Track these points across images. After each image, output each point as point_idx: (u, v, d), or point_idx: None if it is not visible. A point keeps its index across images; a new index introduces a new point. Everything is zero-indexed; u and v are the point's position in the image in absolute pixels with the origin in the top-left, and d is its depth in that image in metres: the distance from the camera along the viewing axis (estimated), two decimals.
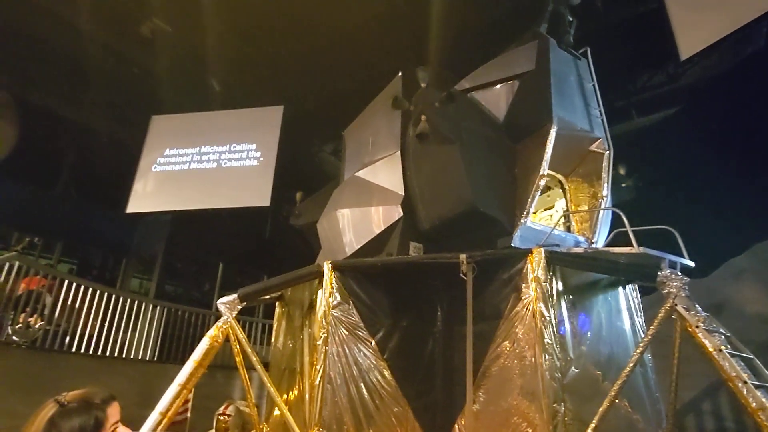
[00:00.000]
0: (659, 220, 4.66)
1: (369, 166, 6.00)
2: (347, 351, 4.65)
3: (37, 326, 6.91)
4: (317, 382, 4.50)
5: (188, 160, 10.31)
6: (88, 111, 11.00)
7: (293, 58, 9.62)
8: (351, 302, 4.82)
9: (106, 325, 7.82)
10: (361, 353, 4.69)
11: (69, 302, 7.33)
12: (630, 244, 4.48)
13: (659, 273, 4.24)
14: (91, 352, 7.49)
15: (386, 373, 4.68)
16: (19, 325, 6.77)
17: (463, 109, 5.80)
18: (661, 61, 8.97)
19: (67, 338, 7.37)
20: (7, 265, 6.40)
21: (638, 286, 5.34)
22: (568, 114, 5.71)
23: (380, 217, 5.60)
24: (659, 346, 4.85)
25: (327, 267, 4.85)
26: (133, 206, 10.04)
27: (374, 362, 4.69)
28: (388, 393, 4.62)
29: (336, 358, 4.61)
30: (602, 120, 6.11)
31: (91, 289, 7.70)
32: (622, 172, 6.52)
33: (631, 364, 4.10)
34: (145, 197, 10.14)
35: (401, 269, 4.99)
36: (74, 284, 7.48)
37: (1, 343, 6.34)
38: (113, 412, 1.46)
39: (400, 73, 6.38)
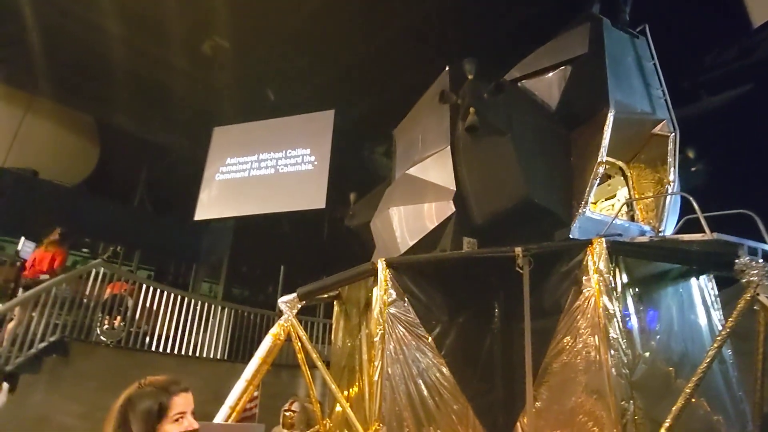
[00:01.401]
0: (735, 205, 4.29)
1: (419, 163, 5.99)
2: (404, 348, 4.66)
3: (119, 327, 7.52)
4: (376, 378, 4.55)
5: (248, 168, 10.84)
6: (158, 129, 11.90)
7: (343, 64, 9.87)
8: (406, 299, 4.82)
9: (181, 326, 8.36)
10: (419, 351, 4.68)
11: (148, 305, 7.93)
12: (701, 232, 4.17)
13: (737, 261, 3.91)
14: (168, 351, 8.05)
15: (444, 370, 4.64)
16: (106, 327, 7.42)
17: (514, 99, 5.65)
18: (732, 34, 8.26)
19: (147, 338, 7.98)
20: (94, 271, 7.03)
21: (714, 277, 4.96)
22: (627, 96, 5.41)
23: (433, 214, 5.57)
24: (742, 343, 4.47)
25: (381, 264, 4.89)
26: (200, 214, 10.70)
27: (432, 359, 4.67)
28: (447, 390, 4.58)
29: (393, 355, 4.63)
30: (665, 100, 5.72)
31: (166, 293, 8.27)
32: (690, 155, 6.03)
33: (708, 360, 3.81)
34: (210, 205, 10.77)
35: (455, 264, 4.94)
36: (151, 288, 8.08)
37: (91, 343, 6.96)
38: (181, 401, 1.52)
39: (447, 68, 6.32)
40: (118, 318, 7.68)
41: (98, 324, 7.37)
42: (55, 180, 11.46)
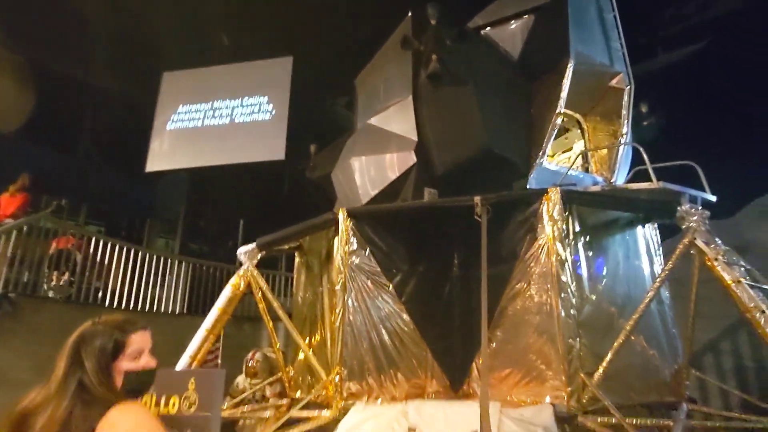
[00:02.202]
0: (683, 158, 4.51)
1: (381, 113, 5.89)
2: (365, 296, 4.74)
3: (66, 282, 7.23)
4: (337, 324, 4.63)
5: (201, 116, 10.31)
6: (101, 73, 11.01)
7: (301, 7, 9.35)
8: (367, 249, 4.86)
9: (135, 281, 8.13)
10: (380, 298, 4.77)
11: (98, 260, 7.62)
12: (650, 182, 4.37)
13: (679, 208, 4.14)
14: (123, 306, 7.85)
15: (405, 316, 4.77)
16: (54, 282, 7.10)
17: (476, 48, 5.59)
18: None
19: (100, 293, 7.72)
20: (37, 225, 6.63)
21: (660, 230, 5.26)
22: (587, 48, 5.46)
23: (394, 164, 5.55)
24: (678, 288, 4.84)
25: (342, 214, 4.88)
26: (152, 165, 10.20)
27: (393, 307, 4.78)
28: (407, 336, 4.72)
29: (355, 303, 4.70)
30: (623, 53, 5.83)
31: (118, 247, 7.97)
32: (644, 110, 6.25)
33: (647, 300, 4.10)
34: (162, 156, 10.26)
35: (416, 214, 4.99)
36: (101, 243, 7.74)
37: (39, 297, 6.67)
38: (138, 339, 1.47)
39: (410, 13, 6.12)
40: (66, 273, 7.36)
41: (45, 279, 7.04)
42: None
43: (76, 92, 11.33)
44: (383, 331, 4.67)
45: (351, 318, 4.63)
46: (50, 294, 6.98)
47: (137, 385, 1.47)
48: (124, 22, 9.78)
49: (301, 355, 5.55)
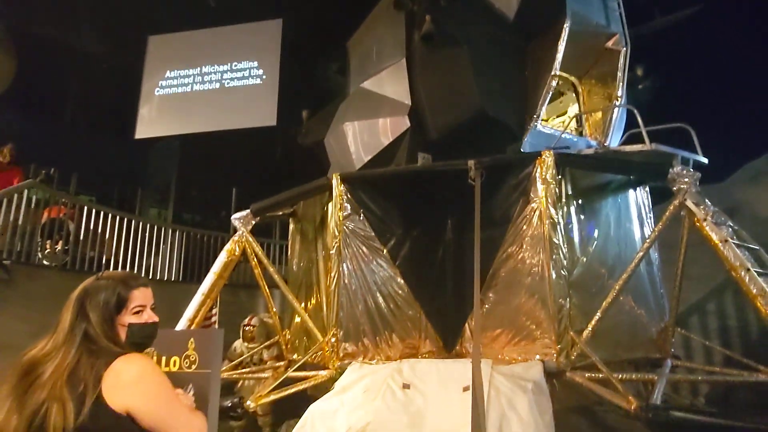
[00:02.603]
0: (677, 122, 4.51)
1: (374, 77, 5.80)
2: (360, 260, 4.78)
3: (61, 251, 7.22)
4: (332, 288, 4.69)
5: (190, 82, 10.06)
6: (85, 36, 10.63)
7: None
8: (361, 213, 4.87)
9: (130, 250, 8.13)
10: (374, 262, 4.82)
11: (92, 229, 7.59)
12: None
13: (670, 170, 4.18)
14: None
15: (399, 280, 4.84)
16: (48, 251, 7.09)
17: (471, 8, 5.46)
18: None
19: (95, 263, 7.72)
20: (26, 195, 6.56)
21: (652, 195, 5.30)
22: (584, 7, 5.36)
23: (388, 129, 5.51)
24: (668, 252, 4.91)
25: (336, 179, 4.87)
26: (141, 132, 10.00)
27: (387, 270, 4.84)
28: (402, 298, 4.80)
29: (350, 266, 4.76)
30: (620, 13, 5.72)
31: (111, 216, 7.93)
32: (639, 72, 6.21)
33: (636, 260, 4.18)
34: (151, 122, 10.06)
35: (410, 179, 4.99)
36: (94, 212, 7.69)
37: (34, 265, 6.67)
38: (141, 295, 1.51)
39: None
40: (60, 242, 7.34)
41: (38, 248, 7.02)
42: None
43: (60, 56, 10.96)
44: (378, 295, 4.75)
45: (346, 282, 4.69)
46: (45, 262, 6.98)
47: (140, 340, 1.50)
48: None
49: (297, 319, 5.64)
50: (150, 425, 1.30)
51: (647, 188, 5.27)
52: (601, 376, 3.79)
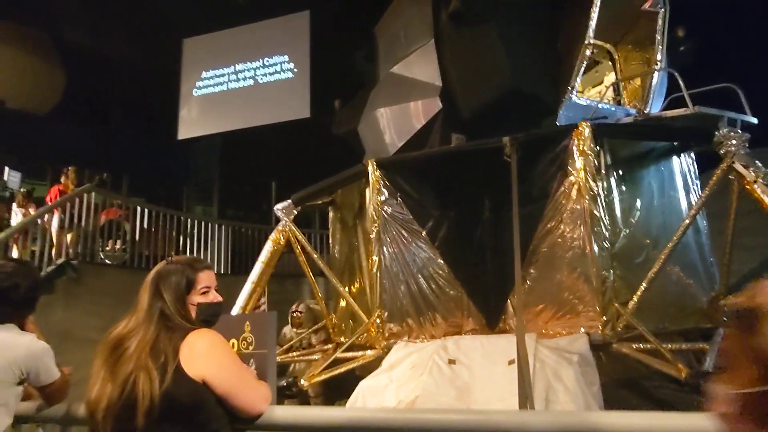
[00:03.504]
0: (722, 83, 4.31)
1: (403, 60, 5.82)
2: (400, 243, 4.88)
3: (120, 250, 7.72)
4: (374, 271, 4.82)
5: (225, 80, 10.41)
6: (122, 44, 11.14)
7: None
8: (398, 197, 4.95)
9: (180, 245, 8.58)
10: (414, 244, 4.91)
11: (145, 228, 8.06)
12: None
13: (717, 132, 4.01)
14: None
15: (439, 260, 4.90)
16: (108, 249, 7.61)
17: None
18: None
19: (151, 260, 8.21)
20: (86, 198, 7.03)
21: (699, 161, 5.09)
22: None
23: (420, 112, 5.54)
24: (717, 222, 4.73)
25: (371, 165, 4.96)
26: (183, 133, 10.46)
27: (427, 251, 4.91)
28: (443, 278, 4.87)
29: (390, 250, 4.86)
30: None
31: (161, 215, 8.37)
32: (680, 34, 5.90)
33: (682, 228, 4.07)
34: (191, 123, 10.49)
35: (444, 160, 5.01)
36: (146, 212, 8.15)
37: (97, 264, 7.18)
38: (206, 277, 1.65)
39: None
40: (118, 242, 7.85)
41: (100, 248, 7.54)
42: (25, 109, 10.96)
43: (102, 66, 11.56)
44: (419, 276, 4.84)
45: (387, 264, 4.80)
46: (107, 261, 7.49)
47: (208, 317, 1.65)
48: None
49: (342, 303, 5.83)
50: (223, 391, 1.46)
51: (692, 154, 5.07)
52: (649, 346, 3.75)
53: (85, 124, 11.91)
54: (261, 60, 10.16)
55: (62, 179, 7.57)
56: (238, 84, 10.30)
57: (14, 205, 7.31)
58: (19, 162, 10.20)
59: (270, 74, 10.09)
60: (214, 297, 1.66)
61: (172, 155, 12.56)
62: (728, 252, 4.19)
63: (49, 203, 7.04)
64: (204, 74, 10.53)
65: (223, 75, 10.42)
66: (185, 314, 1.54)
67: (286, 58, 9.94)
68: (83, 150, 11.39)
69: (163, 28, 10.63)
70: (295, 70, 9.85)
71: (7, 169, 8.14)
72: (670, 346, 3.85)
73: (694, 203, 4.84)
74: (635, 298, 4.02)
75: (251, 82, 10.18)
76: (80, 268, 6.43)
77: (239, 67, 10.30)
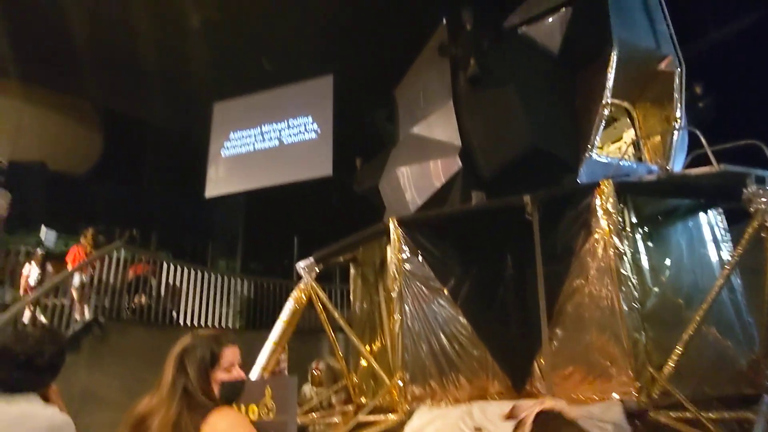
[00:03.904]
0: (744, 138, 4.29)
1: (423, 121, 5.99)
2: (421, 302, 4.81)
3: (146, 305, 7.83)
4: (396, 331, 4.73)
5: (252, 141, 10.88)
6: (158, 110, 11.86)
7: (337, 25, 9.67)
8: (420, 255, 4.94)
9: (204, 300, 8.67)
10: (436, 302, 4.83)
11: (171, 283, 8.20)
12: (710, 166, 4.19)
13: (745, 190, 3.94)
14: (195, 324, 8.38)
15: (462, 319, 4.80)
16: (134, 306, 7.73)
17: (514, 46, 5.59)
18: None
19: (174, 314, 8.29)
20: (116, 255, 7.25)
21: (726, 214, 4.99)
22: (630, 34, 5.31)
23: (440, 171, 5.63)
24: (751, 278, 4.55)
25: (393, 223, 5.00)
26: (210, 191, 10.83)
27: (449, 310, 4.83)
28: (466, 338, 4.75)
29: (412, 308, 4.78)
30: (671, 34, 5.61)
31: (186, 270, 8.53)
32: (698, 90, 5.96)
33: (717, 288, 3.91)
34: (218, 181, 10.89)
35: (465, 218, 5.03)
36: (172, 267, 8.33)
37: (123, 321, 7.27)
38: (230, 353, 1.65)
39: (444, 20, 6.21)
40: (144, 297, 7.98)
41: (127, 304, 7.66)
42: (63, 170, 11.61)
43: (136, 129, 12.31)
44: (442, 336, 4.72)
45: (409, 324, 4.71)
46: (132, 317, 7.59)
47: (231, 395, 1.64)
48: (170, 59, 10.49)
49: (363, 362, 5.70)
50: None
51: (720, 209, 4.97)
52: (688, 415, 3.52)
53: (119, 183, 12.53)
54: (286, 121, 10.64)
55: (81, 239, 7.87)
56: (263, 144, 10.76)
57: (33, 262, 7.58)
58: (56, 219, 10.71)
59: (294, 134, 10.53)
60: (237, 374, 1.65)
61: (199, 211, 12.98)
62: (766, 313, 3.99)
63: (68, 262, 7.29)
64: (232, 135, 11.04)
65: (249, 136, 10.92)
66: (208, 391, 1.54)
67: (310, 119, 10.39)
68: (116, 207, 11.93)
69: (195, 94, 11.32)
70: (319, 130, 10.26)
71: (43, 227, 8.50)
72: (711, 415, 3.60)
73: (725, 260, 4.69)
74: (671, 362, 3.81)
75: (276, 142, 10.62)
76: (106, 326, 6.51)
77: (265, 128, 10.80)
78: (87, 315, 6.57)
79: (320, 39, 9.94)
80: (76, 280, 6.78)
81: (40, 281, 7.18)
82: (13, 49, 9.59)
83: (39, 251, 7.93)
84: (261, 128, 10.82)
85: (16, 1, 8.67)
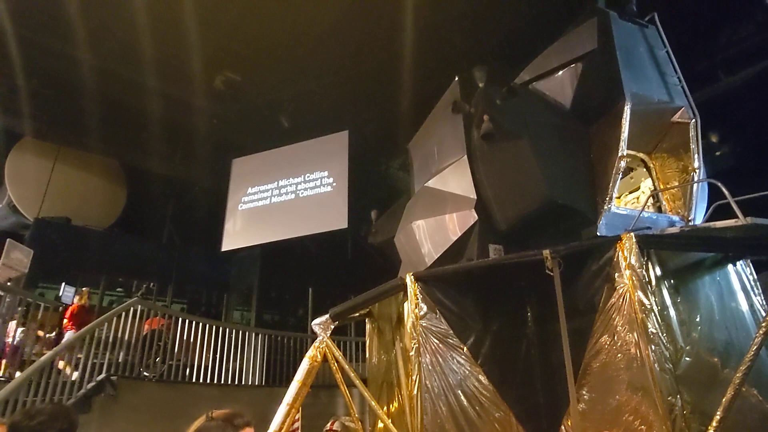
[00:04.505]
0: (765, 185, 4.20)
1: (438, 175, 6.04)
2: (440, 360, 4.65)
3: (160, 361, 7.73)
4: (415, 392, 4.55)
5: (269, 195, 11.09)
6: (179, 166, 12.28)
7: (353, 83, 10.06)
8: (438, 311, 4.83)
9: (218, 355, 8.52)
10: (455, 361, 4.67)
11: (185, 338, 8.12)
12: (733, 217, 4.08)
13: None
14: (208, 381, 8.20)
15: (482, 378, 4.62)
16: (148, 362, 7.62)
17: (527, 102, 5.68)
18: (746, 11, 8.13)
19: (188, 370, 8.14)
20: (131, 309, 7.25)
21: (753, 262, 4.83)
22: (642, 87, 5.37)
23: (456, 224, 5.60)
24: None
25: (410, 279, 4.92)
26: (227, 244, 10.97)
27: (469, 369, 4.66)
28: (487, 399, 4.55)
29: (430, 367, 4.62)
30: (682, 87, 5.66)
31: (201, 324, 8.45)
32: (714, 139, 5.94)
33: (755, 347, 3.70)
34: (235, 235, 11.04)
35: (483, 273, 4.93)
36: (187, 321, 8.26)
37: (136, 378, 7.15)
38: None
39: (456, 78, 6.39)
40: (159, 353, 7.89)
41: (140, 360, 7.57)
42: (88, 225, 11.91)
43: (158, 185, 12.70)
44: (461, 395, 4.53)
45: (428, 383, 4.54)
46: (145, 374, 7.46)
47: None
48: (194, 119, 10.95)
49: (380, 424, 5.45)
50: None
51: (749, 260, 4.80)
52: None
53: (140, 238, 12.78)
54: (302, 176, 10.88)
55: (76, 299, 7.93)
56: (280, 198, 10.96)
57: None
58: (77, 273, 10.87)
59: (311, 189, 10.73)
60: None
61: (216, 264, 13.09)
62: None
63: (66, 320, 7.31)
64: (249, 190, 11.30)
65: (267, 190, 11.17)
66: None
67: (326, 173, 10.61)
68: (136, 261, 12.10)
69: (215, 150, 11.72)
70: (334, 184, 10.44)
71: (63, 284, 8.62)
72: None
73: (758, 311, 4.49)
74: (711, 429, 3.55)
75: (293, 196, 10.82)
76: (119, 384, 6.40)
77: (282, 182, 11.05)
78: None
79: (336, 96, 10.32)
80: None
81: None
82: (39, 110, 10.14)
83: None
84: (278, 183, 11.07)
85: (46, 67, 9.23)
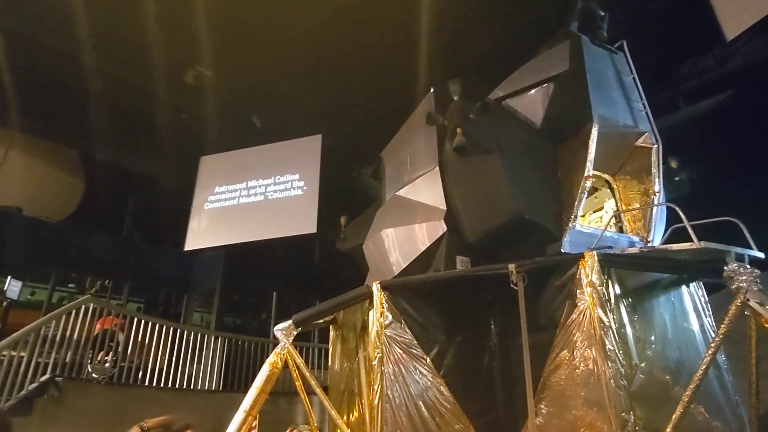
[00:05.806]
0: (720, 212, 4.40)
1: (409, 185, 6.05)
2: (403, 370, 4.63)
3: (111, 363, 7.37)
4: (376, 402, 4.50)
5: (237, 196, 10.83)
6: (142, 160, 11.86)
7: (328, 88, 10.01)
8: (403, 321, 4.81)
9: (174, 358, 8.21)
10: (418, 371, 4.66)
11: (139, 339, 7.78)
12: (689, 240, 4.26)
13: (726, 267, 3.99)
14: (162, 384, 7.88)
15: (444, 390, 4.62)
16: (97, 363, 7.26)
17: (499, 118, 5.78)
18: (706, 46, 8.58)
19: (140, 373, 7.80)
20: (83, 307, 6.90)
21: (704, 283, 5.05)
22: (609, 111, 5.56)
23: (425, 234, 5.61)
24: (735, 347, 4.53)
25: (376, 287, 4.89)
26: (190, 244, 10.62)
27: (431, 380, 4.65)
28: (447, 410, 4.55)
29: (393, 377, 4.59)
30: (646, 113, 5.90)
31: (158, 325, 8.13)
32: (674, 165, 6.21)
33: (704, 367, 3.85)
34: (200, 234, 10.71)
35: (450, 284, 4.96)
36: (142, 321, 7.93)
37: (83, 380, 6.79)
38: None
39: (432, 89, 6.45)
40: (110, 354, 7.53)
41: (89, 361, 7.20)
42: (40, 216, 11.31)
43: (119, 178, 12.21)
44: (422, 406, 4.51)
45: (389, 393, 4.50)
46: (93, 375, 7.10)
47: None
48: (162, 113, 10.61)
49: None
50: None
51: (701, 282, 5.01)
52: None
53: (97, 232, 12.21)
54: (273, 178, 10.70)
55: None
56: (248, 199, 10.73)
57: None
58: (27, 267, 10.28)
59: (280, 191, 10.56)
60: None
61: (177, 264, 12.67)
62: (755, 393, 3.91)
63: None
64: (217, 189, 11.02)
65: (235, 190, 10.91)
66: None
67: (297, 176, 10.47)
68: (91, 256, 11.55)
69: (183, 146, 11.37)
70: (305, 187, 10.31)
71: (9, 278, 8.11)
72: None
73: (708, 332, 4.68)
74: None
75: (261, 198, 10.61)
76: (63, 386, 6.06)
77: (251, 183, 10.83)
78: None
79: (311, 99, 10.24)
80: None
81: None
82: (5, 98, 9.60)
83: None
84: (247, 183, 10.83)
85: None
